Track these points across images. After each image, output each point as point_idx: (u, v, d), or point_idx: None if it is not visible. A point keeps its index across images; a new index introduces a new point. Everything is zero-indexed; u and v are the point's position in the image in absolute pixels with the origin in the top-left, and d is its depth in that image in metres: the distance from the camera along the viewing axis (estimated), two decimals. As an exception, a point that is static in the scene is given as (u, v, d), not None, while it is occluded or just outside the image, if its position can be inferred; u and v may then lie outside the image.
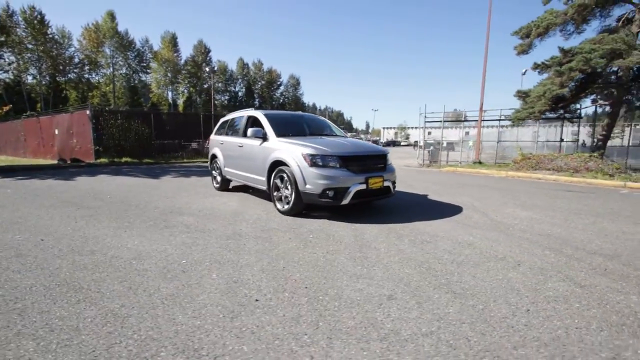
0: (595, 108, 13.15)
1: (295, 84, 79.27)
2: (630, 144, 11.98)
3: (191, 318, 1.90)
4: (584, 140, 15.57)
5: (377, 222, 4.12)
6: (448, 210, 4.91)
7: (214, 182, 6.88)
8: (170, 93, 58.67)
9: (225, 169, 6.30)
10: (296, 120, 5.63)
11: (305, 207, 4.41)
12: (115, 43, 48.51)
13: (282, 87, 78.57)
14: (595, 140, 11.95)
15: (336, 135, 5.43)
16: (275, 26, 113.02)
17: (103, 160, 14.75)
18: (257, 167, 5.09)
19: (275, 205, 4.65)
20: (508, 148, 16.14)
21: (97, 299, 2.11)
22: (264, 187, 4.99)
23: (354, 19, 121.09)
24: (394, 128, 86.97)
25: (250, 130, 4.99)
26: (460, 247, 3.17)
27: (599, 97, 11.93)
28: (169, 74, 55.10)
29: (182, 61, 56.79)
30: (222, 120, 7.00)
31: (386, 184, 4.45)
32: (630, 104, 11.61)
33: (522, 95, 11.48)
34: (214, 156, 6.79)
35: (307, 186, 4.12)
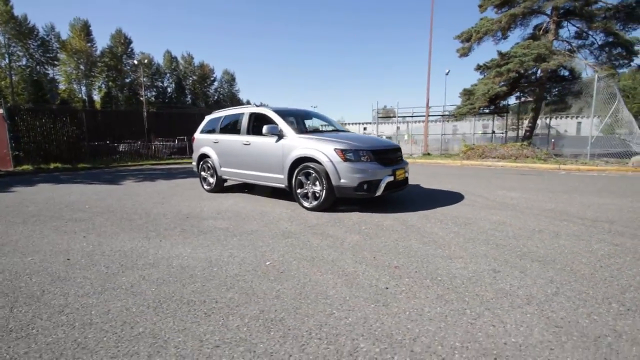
0: (519, 104, 15.45)
1: (230, 79, 76.13)
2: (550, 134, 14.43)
3: (347, 311, 1.91)
4: (508, 132, 18.16)
5: (401, 210, 4.40)
6: (451, 196, 5.43)
7: (204, 184, 6.46)
8: (83, 88, 51.52)
9: (222, 168, 5.97)
10: (305, 116, 5.61)
11: (334, 202, 4.48)
12: (12, 30, 40.74)
13: (216, 83, 74.85)
14: (524, 131, 14.09)
15: (346, 132, 5.58)
16: (209, 19, 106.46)
17: (26, 167, 12.50)
18: (272, 164, 4.97)
19: (301, 203, 4.62)
20: (450, 140, 18.04)
21: (235, 308, 1.97)
22: (282, 185, 4.90)
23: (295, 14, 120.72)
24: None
25: (265, 128, 4.85)
26: (500, 225, 3.61)
27: (525, 94, 14.06)
28: (81, 67, 48.33)
29: (98, 52, 50.27)
30: (209, 118, 6.58)
31: (406, 175, 4.76)
32: (546, 99, 13.97)
33: (468, 93, 12.95)
34: (204, 156, 6.37)
35: (342, 180, 4.20)
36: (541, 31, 12.60)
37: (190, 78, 70.91)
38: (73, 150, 14.57)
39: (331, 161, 4.25)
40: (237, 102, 76.08)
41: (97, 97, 52.72)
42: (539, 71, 12.83)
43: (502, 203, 4.81)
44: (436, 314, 1.87)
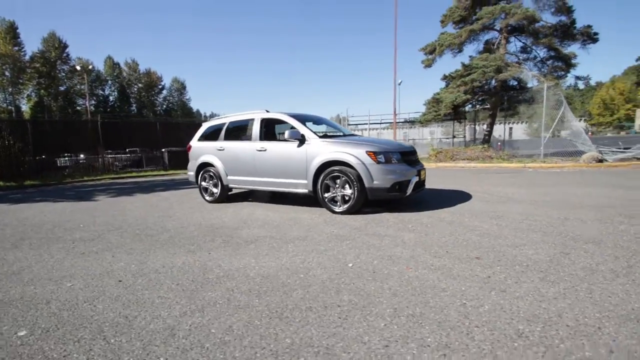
0: (475, 111, 16.93)
1: (181, 87, 72.58)
2: (505, 139, 16.00)
3: (476, 300, 1.97)
4: (465, 136, 19.76)
5: (425, 209, 4.59)
6: (459, 194, 5.77)
7: (206, 195, 6.10)
8: (8, 97, 45.51)
9: (229, 177, 5.71)
10: (316, 122, 5.61)
11: (363, 205, 4.52)
12: None
13: (165, 91, 70.85)
14: (483, 135, 15.45)
15: (358, 136, 5.68)
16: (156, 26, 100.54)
17: (-45, 187, 10.69)
18: (293, 170, 4.88)
19: (330, 208, 4.59)
20: (415, 145, 19.11)
21: (364, 309, 1.92)
22: (304, 190, 4.84)
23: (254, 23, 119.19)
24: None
25: (288, 133, 4.76)
26: (528, 216, 3.94)
27: (483, 102, 15.46)
28: (7, 73, 42.81)
29: (27, 57, 44.97)
30: (208, 125, 6.27)
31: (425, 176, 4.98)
32: (503, 108, 15.54)
33: (436, 100, 13.90)
34: (205, 165, 6.04)
35: (375, 182, 4.27)
36: (494, 46, 14.10)
37: (136, 86, 66.40)
38: (15, 166, 12.81)
39: (363, 163, 4.30)
40: (188, 111, 72.65)
41: (25, 107, 46.91)
42: (493, 81, 14.25)
43: (508, 198, 5.24)
44: (555, 293, 2.01)
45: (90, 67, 44.94)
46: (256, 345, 1.63)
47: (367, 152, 4.33)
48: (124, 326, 1.88)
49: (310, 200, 5.63)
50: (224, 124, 5.97)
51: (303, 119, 5.20)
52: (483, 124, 17.10)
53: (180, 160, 17.66)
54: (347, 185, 4.44)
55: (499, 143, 19.21)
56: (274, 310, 1.97)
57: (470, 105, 16.67)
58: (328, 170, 4.55)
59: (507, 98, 14.11)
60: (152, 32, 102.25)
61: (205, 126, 6.31)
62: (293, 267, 2.66)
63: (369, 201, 4.46)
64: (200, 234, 3.89)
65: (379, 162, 4.29)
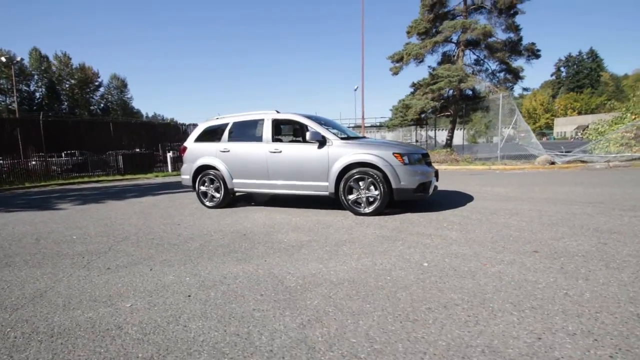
0: (435, 117, 18.14)
1: (121, 85, 66.51)
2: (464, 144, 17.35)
3: (574, 289, 2.12)
4: (427, 140, 21.06)
5: (441, 208, 4.81)
6: (462, 195, 6.04)
7: (205, 200, 5.70)
8: None
9: (235, 180, 5.41)
10: (327, 123, 5.55)
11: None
12: None
13: (102, 89, 64.53)
14: (445, 140, 16.59)
15: (369, 138, 5.75)
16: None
17: None
18: (313, 172, 4.78)
19: (355, 209, 4.57)
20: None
21: (482, 305, 1.95)
22: (325, 193, 4.76)
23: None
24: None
25: (309, 134, 4.65)
26: (541, 212, 4.31)
27: (445, 109, 16.62)
28: None
29: None
30: (206, 125, 5.87)
31: (435, 177, 5.22)
32: (460, 115, 16.87)
33: (405, 107, 14.61)
34: (205, 168, 5.65)
35: (402, 183, 4.36)
36: (454, 57, 15.32)
37: (68, 82, 59.56)
38: None
39: (390, 165, 4.37)
40: (129, 111, 66.74)
41: None
42: (452, 90, 15.43)
43: (506, 197, 5.70)
44: (630, 277, 2.24)
45: (16, 60, 39.19)
46: (416, 350, 1.57)
47: (393, 153, 4.41)
48: (247, 345, 1.69)
49: (318, 202, 5.56)
50: (226, 124, 5.64)
51: (318, 121, 5.13)
52: (443, 129, 18.42)
53: (137, 164, 16.24)
54: (372, 187, 4.47)
55: (454, 148, 20.87)
56: (397, 314, 1.92)
57: (431, 112, 17.81)
58: (352, 172, 4.54)
59: (464, 106, 15.42)
60: (88, 24, 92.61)
61: (202, 126, 5.90)
62: (370, 270, 2.61)
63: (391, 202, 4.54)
64: (232, 241, 3.63)
65: (405, 164, 4.39)
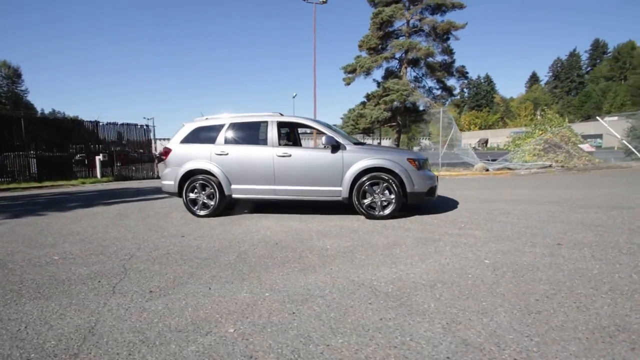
0: (380, 127, 19.36)
1: (13, 75, 55.42)
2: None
3: (625, 279, 2.53)
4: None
5: (442, 211, 5.20)
6: (448, 199, 6.61)
7: (196, 208, 5.14)
8: None
9: (234, 186, 5.01)
10: (332, 128, 5.52)
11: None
12: None
13: (-16, 78, 52.88)
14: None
15: (371, 144, 5.88)
16: None
17: None
18: (326, 177, 4.70)
19: (369, 213, 4.63)
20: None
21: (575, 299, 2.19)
22: (338, 197, 4.73)
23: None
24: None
25: (325, 138, 4.59)
26: (536, 212, 4.91)
27: (392, 120, 17.85)
28: None
29: None
30: (196, 126, 5.32)
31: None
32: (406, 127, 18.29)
33: (359, 115, 15.29)
34: (197, 172, 5.11)
35: (416, 187, 4.58)
36: (399, 73, 16.70)
37: None
38: None
39: (406, 170, 4.57)
40: (23, 105, 55.56)
41: None
42: (398, 103, 16.75)
43: (483, 199, 6.39)
44: (653, 262, 2.76)
45: None
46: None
47: (408, 159, 4.62)
48: (420, 358, 1.61)
49: (316, 208, 5.48)
50: (221, 125, 5.19)
51: (327, 125, 5.09)
52: (386, 138, 19.74)
53: (55, 168, 13.69)
54: (387, 191, 4.60)
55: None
56: (514, 311, 2.02)
57: (380, 121, 18.97)
58: (367, 177, 4.60)
59: (411, 117, 16.90)
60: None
61: (191, 127, 5.32)
62: (445, 270, 2.70)
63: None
64: (270, 251, 3.36)
65: (418, 169, 4.64)
